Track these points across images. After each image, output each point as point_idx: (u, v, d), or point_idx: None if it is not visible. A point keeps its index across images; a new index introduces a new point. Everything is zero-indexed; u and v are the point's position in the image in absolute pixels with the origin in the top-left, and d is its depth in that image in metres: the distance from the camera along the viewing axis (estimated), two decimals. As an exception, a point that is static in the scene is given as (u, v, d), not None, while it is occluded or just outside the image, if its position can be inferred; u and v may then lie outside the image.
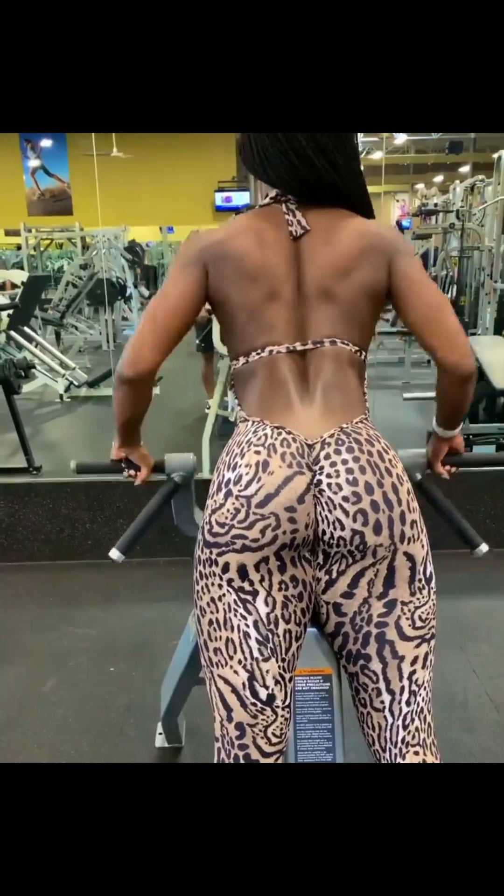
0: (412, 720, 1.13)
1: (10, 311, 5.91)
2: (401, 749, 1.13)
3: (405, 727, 1.13)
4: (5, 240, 12.57)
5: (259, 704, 1.09)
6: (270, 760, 1.12)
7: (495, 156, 6.18)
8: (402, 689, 1.13)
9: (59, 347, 7.15)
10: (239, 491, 1.07)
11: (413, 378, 6.23)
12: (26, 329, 6.13)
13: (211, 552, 1.10)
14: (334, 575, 1.10)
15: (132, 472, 1.41)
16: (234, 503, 1.07)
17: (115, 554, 1.33)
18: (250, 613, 1.09)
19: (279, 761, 1.14)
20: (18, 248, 10.77)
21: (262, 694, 1.09)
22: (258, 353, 1.18)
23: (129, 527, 1.36)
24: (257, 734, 1.10)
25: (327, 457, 1.09)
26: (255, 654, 1.09)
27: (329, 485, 1.07)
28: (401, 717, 1.13)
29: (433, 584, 1.15)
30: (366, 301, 1.19)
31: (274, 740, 1.11)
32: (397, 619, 1.11)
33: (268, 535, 1.06)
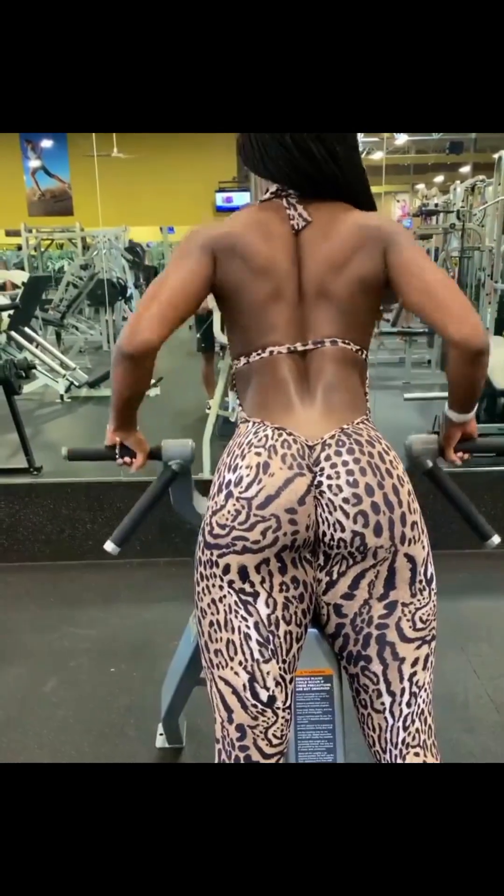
0: (412, 722, 1.13)
1: (11, 312, 5.91)
2: (401, 750, 1.13)
3: (405, 728, 1.13)
4: (6, 240, 12.58)
5: (260, 706, 1.09)
6: (271, 762, 1.12)
7: (496, 156, 6.18)
8: (403, 690, 1.13)
9: (59, 348, 7.16)
10: (239, 492, 1.07)
11: (414, 378, 6.22)
12: (27, 329, 6.14)
13: (211, 553, 1.10)
14: (335, 576, 1.10)
15: (127, 458, 1.34)
16: (234, 505, 1.07)
17: (109, 546, 1.28)
18: (251, 615, 1.09)
19: (280, 762, 1.14)
20: (19, 248, 10.77)
21: (263, 695, 1.09)
22: (259, 354, 1.17)
23: (125, 518, 1.31)
24: (258, 736, 1.10)
25: (328, 458, 1.08)
26: (256, 655, 1.09)
27: (329, 486, 1.07)
28: (401, 719, 1.13)
29: (434, 585, 1.15)
30: (362, 295, 1.17)
31: (275, 742, 1.11)
32: (398, 620, 1.11)
33: (268, 537, 1.06)
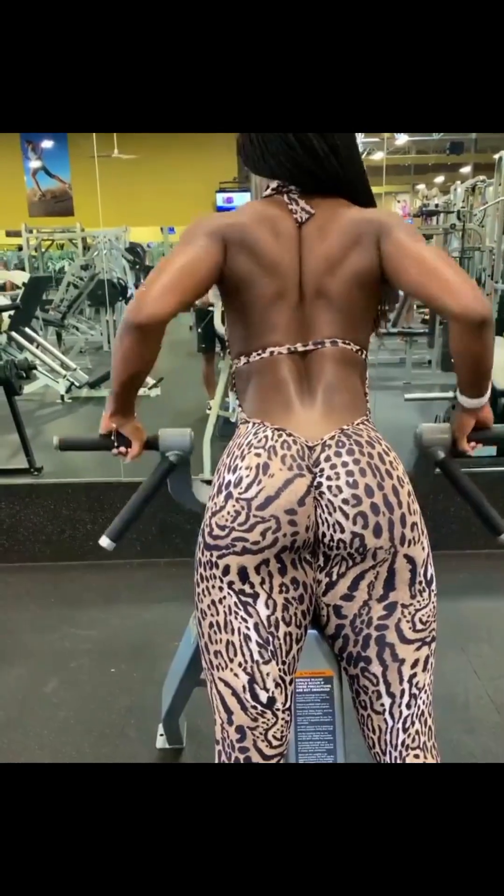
0: (412, 723, 1.13)
1: (12, 312, 5.91)
2: (401, 752, 1.13)
3: (405, 730, 1.13)
4: (6, 240, 12.58)
5: (259, 707, 1.09)
6: (271, 763, 1.11)
7: (496, 156, 6.18)
8: (403, 692, 1.13)
9: (60, 348, 7.15)
10: (239, 493, 1.07)
11: (414, 379, 6.22)
12: (27, 330, 6.14)
13: (211, 555, 1.09)
14: (334, 577, 1.10)
15: (122, 448, 1.29)
16: (234, 506, 1.07)
17: (105, 541, 1.25)
18: (251, 616, 1.08)
19: (280, 763, 1.13)
20: (20, 248, 10.78)
21: (263, 697, 1.09)
22: (259, 354, 1.17)
23: (120, 512, 1.26)
24: (258, 737, 1.10)
25: (327, 459, 1.08)
26: (256, 656, 1.09)
27: (329, 487, 1.07)
28: (401, 720, 1.13)
29: (434, 586, 1.15)
30: (359, 291, 1.16)
31: (275, 743, 1.11)
32: (397, 621, 1.11)
33: (268, 538, 1.06)
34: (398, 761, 1.13)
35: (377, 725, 1.15)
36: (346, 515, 1.06)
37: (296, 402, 1.14)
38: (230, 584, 1.09)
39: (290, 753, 1.19)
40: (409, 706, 1.13)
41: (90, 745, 2.03)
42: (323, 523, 1.07)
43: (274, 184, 1.20)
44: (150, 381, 5.46)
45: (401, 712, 1.13)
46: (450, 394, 4.31)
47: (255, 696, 1.09)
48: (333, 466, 1.08)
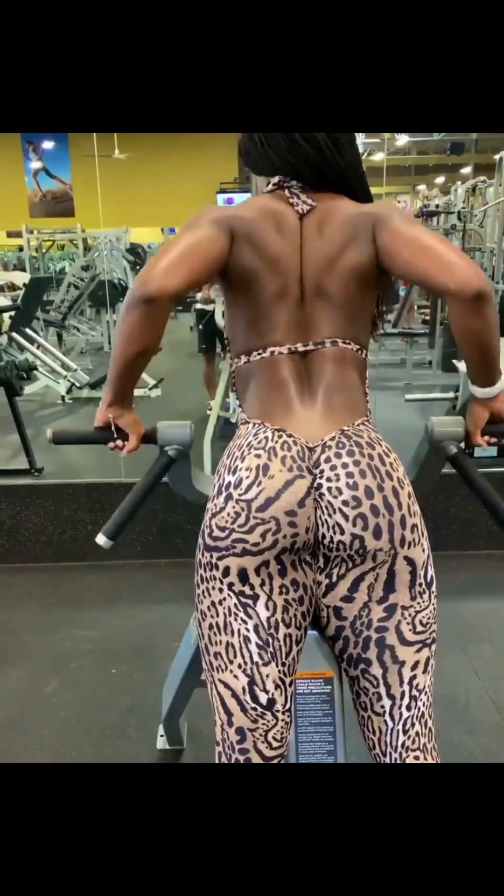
0: (412, 725, 1.13)
1: (12, 313, 5.92)
2: (401, 754, 1.13)
3: (405, 732, 1.13)
4: (7, 241, 12.59)
5: (259, 709, 1.09)
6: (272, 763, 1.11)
7: (497, 157, 6.19)
8: (403, 694, 1.12)
9: (60, 349, 7.16)
10: (239, 495, 1.07)
11: (415, 379, 6.22)
12: (28, 330, 6.14)
13: (211, 556, 1.09)
14: (334, 579, 1.10)
15: (119, 441, 1.24)
16: (234, 507, 1.07)
17: (101, 539, 1.21)
18: (251, 617, 1.08)
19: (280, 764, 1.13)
20: (20, 249, 10.78)
21: (263, 698, 1.09)
22: (260, 354, 1.17)
23: (117, 510, 1.22)
24: (258, 738, 1.10)
25: (328, 460, 1.08)
26: (256, 658, 1.09)
27: (329, 489, 1.07)
28: (401, 722, 1.13)
29: (434, 588, 1.15)
30: (356, 287, 1.15)
31: (275, 744, 1.11)
32: (397, 623, 1.11)
33: (268, 540, 1.06)
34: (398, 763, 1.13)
35: (377, 727, 1.15)
36: (345, 517, 1.06)
37: (296, 403, 1.14)
38: (230, 585, 1.09)
39: (290, 754, 1.18)
40: (409, 708, 1.13)
41: (90, 745, 2.03)
42: (323, 525, 1.07)
43: (275, 179, 1.20)
44: (150, 381, 5.47)
45: (401, 714, 1.13)
46: (450, 394, 4.31)
47: (254, 698, 1.09)
48: (334, 468, 1.08)
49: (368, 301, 1.20)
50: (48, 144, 9.14)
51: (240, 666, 1.09)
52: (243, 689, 1.09)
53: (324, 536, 1.08)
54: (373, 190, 1.27)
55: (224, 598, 1.09)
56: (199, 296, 4.94)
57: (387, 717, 1.14)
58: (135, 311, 1.06)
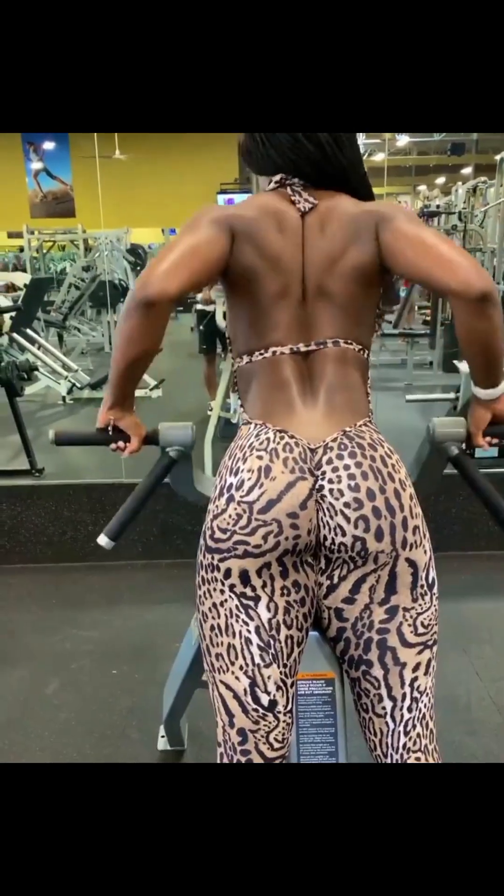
0: (413, 726, 1.13)
1: (13, 314, 5.92)
2: (402, 755, 1.13)
3: (406, 733, 1.13)
4: (8, 242, 12.60)
5: (261, 710, 1.09)
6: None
7: (497, 157, 6.19)
8: (404, 695, 1.12)
9: (61, 349, 7.16)
10: (241, 496, 1.07)
11: (416, 380, 6.22)
12: (29, 331, 6.14)
13: (213, 558, 1.09)
14: (336, 580, 1.10)
15: (120, 443, 1.24)
16: (235, 509, 1.07)
17: (103, 540, 1.21)
18: (252, 619, 1.08)
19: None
20: (21, 250, 10.79)
21: (264, 700, 1.09)
22: (261, 354, 1.17)
23: (118, 511, 1.22)
24: (259, 740, 1.10)
25: (329, 461, 1.08)
26: (257, 659, 1.09)
27: (331, 490, 1.07)
28: (402, 724, 1.13)
29: (435, 589, 1.14)
30: (357, 286, 1.15)
31: (276, 745, 1.11)
32: (399, 625, 1.11)
33: (270, 541, 1.06)
34: (400, 764, 1.13)
35: (379, 728, 1.15)
36: (347, 519, 1.06)
37: (298, 403, 1.14)
38: (231, 587, 1.08)
39: (291, 756, 1.18)
40: (410, 710, 1.13)
41: (91, 746, 2.03)
42: (324, 526, 1.07)
43: (277, 177, 1.20)
44: (151, 382, 5.47)
45: (402, 716, 1.13)
46: (451, 395, 4.30)
47: (256, 699, 1.09)
48: (335, 469, 1.07)
49: (371, 301, 1.20)
50: (49, 145, 9.14)
51: (241, 667, 1.09)
52: (245, 690, 1.09)
53: (325, 538, 1.07)
54: (374, 190, 1.27)
55: (225, 600, 1.09)
56: (199, 297, 4.95)
57: (388, 718, 1.13)
58: (135, 314, 1.06)
